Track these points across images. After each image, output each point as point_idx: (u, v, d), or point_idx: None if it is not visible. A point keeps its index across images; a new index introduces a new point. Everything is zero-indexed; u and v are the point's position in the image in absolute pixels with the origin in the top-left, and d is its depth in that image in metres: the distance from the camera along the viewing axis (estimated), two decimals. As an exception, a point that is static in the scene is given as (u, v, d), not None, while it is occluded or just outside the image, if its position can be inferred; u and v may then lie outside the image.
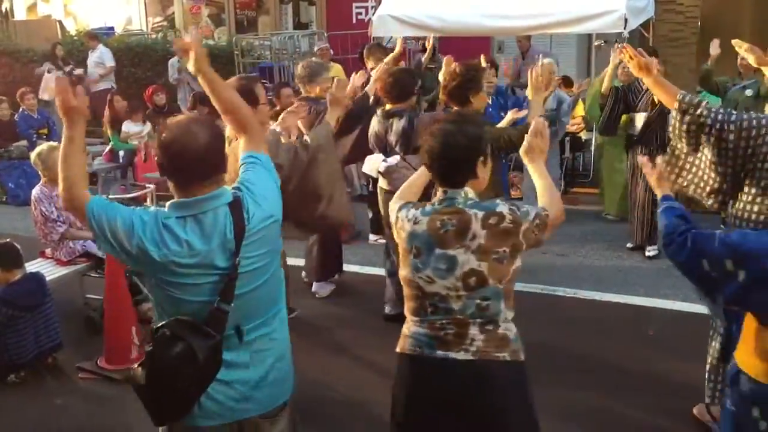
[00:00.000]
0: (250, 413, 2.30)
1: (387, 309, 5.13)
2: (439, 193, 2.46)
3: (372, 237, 6.83)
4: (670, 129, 3.16)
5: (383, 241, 5.61)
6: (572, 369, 4.31)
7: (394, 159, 4.80)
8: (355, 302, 5.56)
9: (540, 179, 2.59)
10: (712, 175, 3.09)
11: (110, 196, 5.09)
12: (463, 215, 2.35)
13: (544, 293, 5.42)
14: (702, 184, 3.16)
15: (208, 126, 2.23)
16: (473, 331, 2.34)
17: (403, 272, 2.45)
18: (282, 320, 2.41)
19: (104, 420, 4.06)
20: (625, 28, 7.19)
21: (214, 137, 2.21)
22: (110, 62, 12.26)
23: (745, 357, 2.40)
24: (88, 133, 11.40)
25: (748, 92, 5.98)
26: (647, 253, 6.23)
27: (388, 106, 4.82)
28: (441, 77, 4.67)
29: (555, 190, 2.59)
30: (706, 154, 3.07)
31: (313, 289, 5.65)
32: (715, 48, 6.72)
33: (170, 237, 2.14)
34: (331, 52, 10.09)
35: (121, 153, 9.30)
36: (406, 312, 2.50)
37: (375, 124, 4.92)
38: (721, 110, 3.05)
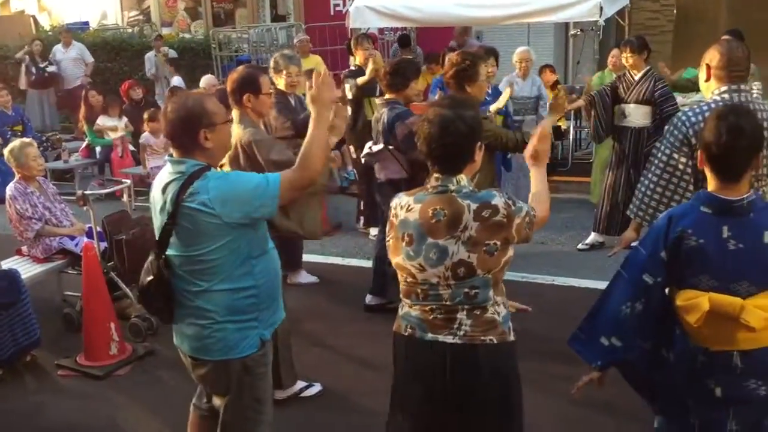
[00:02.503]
0: (184, 346, 2.77)
1: (368, 299, 5.14)
2: (432, 179, 2.45)
3: (372, 231, 6.58)
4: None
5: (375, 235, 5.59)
6: (552, 354, 4.34)
7: (378, 147, 4.80)
8: (336, 293, 5.56)
9: (539, 184, 2.66)
10: None
11: (87, 192, 5.04)
12: (455, 205, 2.35)
13: (523, 281, 5.46)
14: None
15: (181, 103, 2.60)
16: (461, 315, 2.39)
17: (397, 259, 2.48)
18: (208, 299, 2.62)
19: (84, 417, 4.04)
20: (600, 17, 7.23)
21: (182, 114, 2.57)
22: (90, 58, 12.18)
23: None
24: (63, 129, 11.32)
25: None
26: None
27: (386, 95, 4.82)
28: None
29: (548, 196, 2.66)
30: None
31: (297, 280, 5.65)
32: (661, 68, 6.74)
33: None
34: (310, 45, 10.05)
35: (98, 149, 9.22)
36: (401, 294, 2.54)
37: (376, 112, 4.93)
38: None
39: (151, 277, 2.64)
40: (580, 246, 6.29)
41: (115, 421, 3.97)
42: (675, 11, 12.81)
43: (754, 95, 3.43)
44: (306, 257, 5.93)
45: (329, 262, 6.24)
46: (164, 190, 2.60)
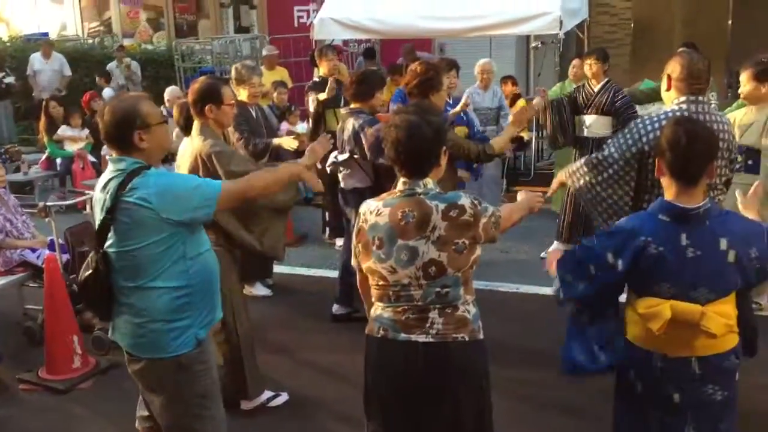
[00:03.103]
0: (120, 341, 2.82)
1: (334, 309, 5.16)
2: (399, 184, 2.51)
3: (338, 242, 6.64)
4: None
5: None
6: (517, 361, 4.41)
7: (343, 156, 4.83)
8: (301, 304, 5.57)
9: (516, 210, 2.83)
10: None
11: (48, 203, 4.98)
12: (423, 207, 2.43)
13: (487, 289, 5.52)
14: None
15: (120, 105, 2.69)
16: (433, 315, 2.45)
17: (367, 263, 2.52)
18: (141, 296, 2.69)
19: (46, 431, 3.98)
20: (560, 30, 7.39)
21: (117, 116, 2.65)
22: (68, 72, 11.97)
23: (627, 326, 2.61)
24: (22, 141, 11.10)
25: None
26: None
27: (352, 105, 4.85)
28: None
29: (520, 217, 2.79)
30: None
31: (251, 291, 5.64)
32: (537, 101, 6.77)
33: None
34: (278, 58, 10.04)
35: (59, 161, 9.10)
36: (373, 298, 2.59)
37: (341, 122, 4.95)
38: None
39: (89, 272, 2.72)
40: (543, 254, 6.38)
41: (77, 434, 3.92)
42: (632, 25, 13.13)
43: (712, 106, 3.54)
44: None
45: (295, 272, 6.24)
46: (104, 187, 2.68)
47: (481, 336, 2.53)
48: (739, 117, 4.71)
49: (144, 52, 13.24)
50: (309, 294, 5.76)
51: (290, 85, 9.33)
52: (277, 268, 6.05)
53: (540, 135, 9.04)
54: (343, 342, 4.75)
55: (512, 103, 8.26)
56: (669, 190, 2.47)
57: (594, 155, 3.48)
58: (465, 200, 2.45)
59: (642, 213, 2.59)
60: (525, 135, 8.97)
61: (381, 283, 2.50)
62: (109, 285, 2.72)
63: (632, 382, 2.57)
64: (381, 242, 2.46)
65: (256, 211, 3.72)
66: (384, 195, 2.57)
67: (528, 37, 9.97)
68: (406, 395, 2.49)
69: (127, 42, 14.36)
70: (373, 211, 2.51)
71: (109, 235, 2.66)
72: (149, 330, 2.72)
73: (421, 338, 2.44)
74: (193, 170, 3.59)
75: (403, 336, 2.46)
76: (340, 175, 4.89)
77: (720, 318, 2.40)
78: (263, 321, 5.03)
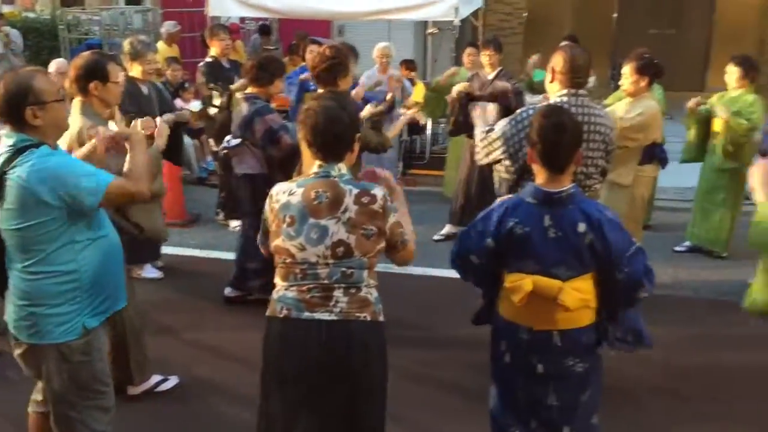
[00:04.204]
0: (8, 323, 2.76)
1: (227, 291, 5.11)
2: (314, 167, 2.60)
3: (232, 223, 6.55)
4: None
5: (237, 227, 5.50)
6: (413, 341, 4.52)
7: (235, 141, 4.77)
8: (195, 285, 5.48)
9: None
10: None
11: None
12: (337, 189, 2.52)
13: (380, 271, 5.56)
14: None
15: (14, 79, 2.58)
16: (337, 293, 2.52)
17: (276, 241, 2.57)
18: (25, 278, 2.63)
19: None
20: (456, 17, 7.54)
21: (9, 90, 2.56)
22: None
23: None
24: None
25: None
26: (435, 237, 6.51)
27: (249, 89, 4.77)
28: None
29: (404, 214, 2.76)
30: None
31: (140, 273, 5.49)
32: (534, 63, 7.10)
33: None
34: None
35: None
36: (276, 278, 2.62)
37: (237, 106, 4.88)
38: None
39: None
40: (435, 237, 6.54)
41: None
42: (525, 15, 13.54)
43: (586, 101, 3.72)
44: (163, 249, 5.78)
45: (188, 254, 6.12)
46: None
47: (382, 318, 2.64)
48: (621, 108, 4.96)
49: (25, 20, 12.47)
50: (202, 276, 5.67)
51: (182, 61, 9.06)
52: (169, 250, 5.91)
53: (435, 120, 9.19)
54: (236, 323, 4.72)
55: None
56: (539, 176, 2.68)
57: (484, 130, 3.62)
58: (378, 191, 2.56)
59: (513, 196, 2.80)
60: (421, 119, 9.12)
61: (288, 260, 2.55)
62: (3, 259, 2.66)
63: (502, 353, 2.77)
64: (292, 220, 2.53)
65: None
66: (296, 178, 2.65)
67: (426, 22, 10.10)
68: (307, 373, 2.54)
69: (6, 9, 13.48)
70: (285, 191, 2.58)
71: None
72: (30, 313, 2.65)
73: (325, 316, 2.51)
74: (69, 152, 3.43)
75: (306, 314, 2.52)
76: (233, 160, 4.83)
77: (576, 293, 2.60)
78: (153, 304, 4.91)
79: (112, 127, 3.47)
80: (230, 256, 5.28)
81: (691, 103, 5.80)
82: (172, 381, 4.03)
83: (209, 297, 5.18)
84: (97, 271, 2.71)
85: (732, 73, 5.73)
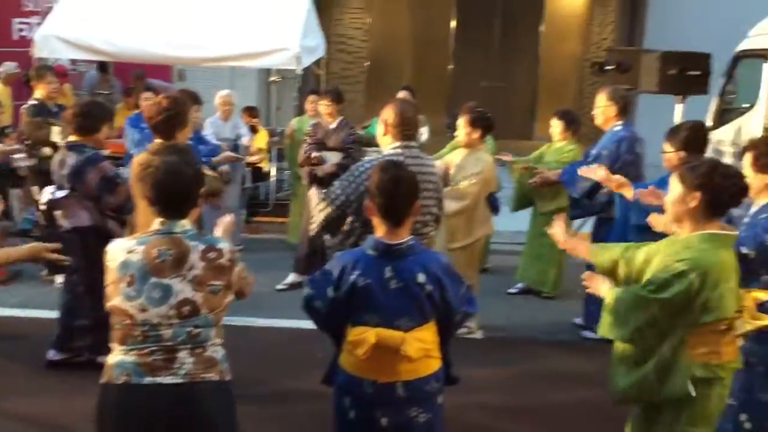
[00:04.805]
0: None
1: (50, 354, 4.70)
2: (156, 224, 2.47)
3: (58, 279, 5.98)
4: None
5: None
6: (260, 396, 4.38)
7: (62, 193, 4.48)
8: (13, 348, 5.01)
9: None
10: None
11: None
12: (182, 246, 2.43)
13: (224, 324, 5.39)
14: None
15: None
16: (182, 354, 2.42)
17: (114, 302, 2.42)
18: None
19: None
20: (298, 66, 7.59)
21: None
22: None
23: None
24: None
25: None
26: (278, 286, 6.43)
27: (71, 138, 4.49)
28: None
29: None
30: None
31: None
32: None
33: None
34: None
35: None
36: (113, 342, 2.46)
37: (57, 154, 4.57)
38: None
39: None
40: (279, 286, 6.42)
41: None
42: (367, 63, 13.94)
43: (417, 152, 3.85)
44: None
45: (6, 314, 5.60)
46: None
47: (229, 377, 2.56)
48: (456, 159, 5.17)
49: None
50: (23, 337, 5.20)
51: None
52: (-14, 310, 5.40)
53: (280, 166, 9.15)
54: (62, 390, 4.36)
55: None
56: (379, 229, 2.72)
57: (324, 192, 3.63)
58: (225, 245, 2.51)
59: (355, 249, 2.85)
60: (265, 165, 9.04)
61: (127, 322, 2.40)
62: None
63: (347, 409, 2.75)
64: (132, 279, 2.39)
65: None
66: (135, 235, 2.54)
67: (269, 69, 10.10)
68: None
69: None
70: (124, 249, 2.44)
71: None
72: None
73: (168, 380, 2.39)
74: None
75: (148, 379, 2.39)
76: (58, 214, 4.50)
77: (417, 343, 2.65)
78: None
79: None
80: (55, 314, 4.89)
81: (507, 158, 6.15)
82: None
83: (30, 360, 4.74)
84: None
85: (555, 126, 6.15)
